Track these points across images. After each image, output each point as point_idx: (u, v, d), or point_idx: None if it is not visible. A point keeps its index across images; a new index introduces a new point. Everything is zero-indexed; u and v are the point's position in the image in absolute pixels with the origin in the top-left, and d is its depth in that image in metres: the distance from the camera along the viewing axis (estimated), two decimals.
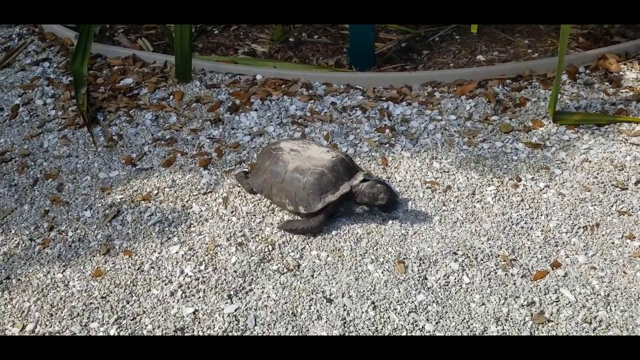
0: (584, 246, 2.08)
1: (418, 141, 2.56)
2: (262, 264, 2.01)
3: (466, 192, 2.30)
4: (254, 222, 2.18)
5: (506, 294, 1.91)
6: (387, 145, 2.54)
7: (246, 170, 2.39)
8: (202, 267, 2.01)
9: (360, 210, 2.15)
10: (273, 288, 1.93)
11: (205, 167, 2.45)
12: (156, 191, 2.34)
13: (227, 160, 2.49)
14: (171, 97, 2.87)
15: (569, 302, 1.88)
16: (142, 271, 2.02)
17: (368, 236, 2.10)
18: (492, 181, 2.35)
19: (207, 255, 2.06)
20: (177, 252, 2.07)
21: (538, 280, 1.96)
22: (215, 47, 3.29)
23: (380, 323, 1.82)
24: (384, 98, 2.83)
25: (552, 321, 1.83)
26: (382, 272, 1.97)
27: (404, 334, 1.78)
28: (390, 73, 3.00)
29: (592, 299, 1.90)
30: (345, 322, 1.82)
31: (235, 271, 1.99)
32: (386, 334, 1.78)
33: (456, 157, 2.47)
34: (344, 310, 1.86)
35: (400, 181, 2.35)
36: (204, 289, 1.94)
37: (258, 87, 2.92)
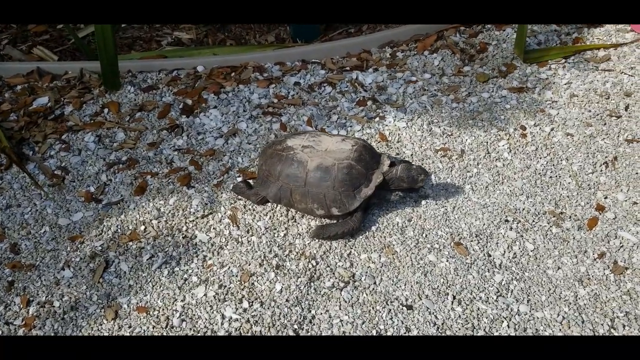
0: (615, 183, 2.04)
1: (406, 108, 2.37)
2: (312, 284, 1.74)
3: (481, 153, 2.16)
4: (278, 237, 1.88)
5: (573, 251, 1.82)
6: (377, 118, 2.32)
7: (240, 177, 2.07)
8: (246, 305, 1.70)
9: (396, 197, 1.93)
10: (340, 308, 1.68)
11: (189, 185, 2.08)
12: (143, 226, 1.95)
13: (210, 172, 2.13)
14: (105, 110, 2.41)
15: (634, 244, 1.83)
16: (173, 327, 1.67)
17: (410, 223, 1.90)
18: (500, 135, 2.23)
19: (243, 289, 1.74)
20: (205, 295, 1.73)
21: (594, 229, 1.88)
22: (132, 43, 2.83)
23: (474, 317, 1.64)
24: (347, 68, 2.59)
25: (629, 268, 1.76)
26: (447, 260, 1.79)
27: (503, 323, 1.62)
28: (342, 40, 2.75)
29: None
30: (438, 327, 1.62)
31: (287, 300, 1.70)
32: (486, 329, 1.61)
33: (451, 117, 2.32)
34: (430, 313, 1.65)
35: (411, 155, 2.15)
36: (261, 331, 1.64)
37: (204, 81, 2.55)
